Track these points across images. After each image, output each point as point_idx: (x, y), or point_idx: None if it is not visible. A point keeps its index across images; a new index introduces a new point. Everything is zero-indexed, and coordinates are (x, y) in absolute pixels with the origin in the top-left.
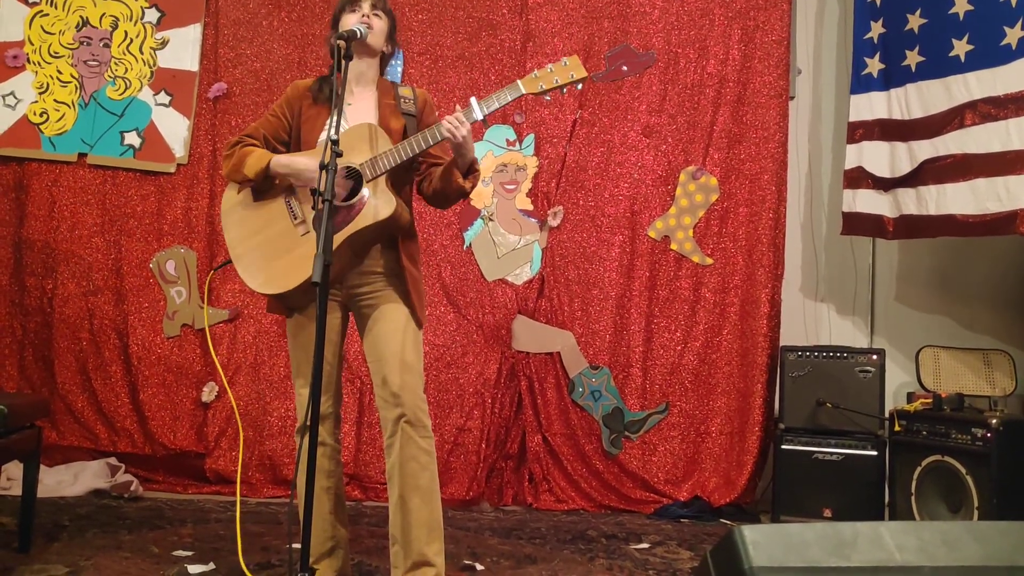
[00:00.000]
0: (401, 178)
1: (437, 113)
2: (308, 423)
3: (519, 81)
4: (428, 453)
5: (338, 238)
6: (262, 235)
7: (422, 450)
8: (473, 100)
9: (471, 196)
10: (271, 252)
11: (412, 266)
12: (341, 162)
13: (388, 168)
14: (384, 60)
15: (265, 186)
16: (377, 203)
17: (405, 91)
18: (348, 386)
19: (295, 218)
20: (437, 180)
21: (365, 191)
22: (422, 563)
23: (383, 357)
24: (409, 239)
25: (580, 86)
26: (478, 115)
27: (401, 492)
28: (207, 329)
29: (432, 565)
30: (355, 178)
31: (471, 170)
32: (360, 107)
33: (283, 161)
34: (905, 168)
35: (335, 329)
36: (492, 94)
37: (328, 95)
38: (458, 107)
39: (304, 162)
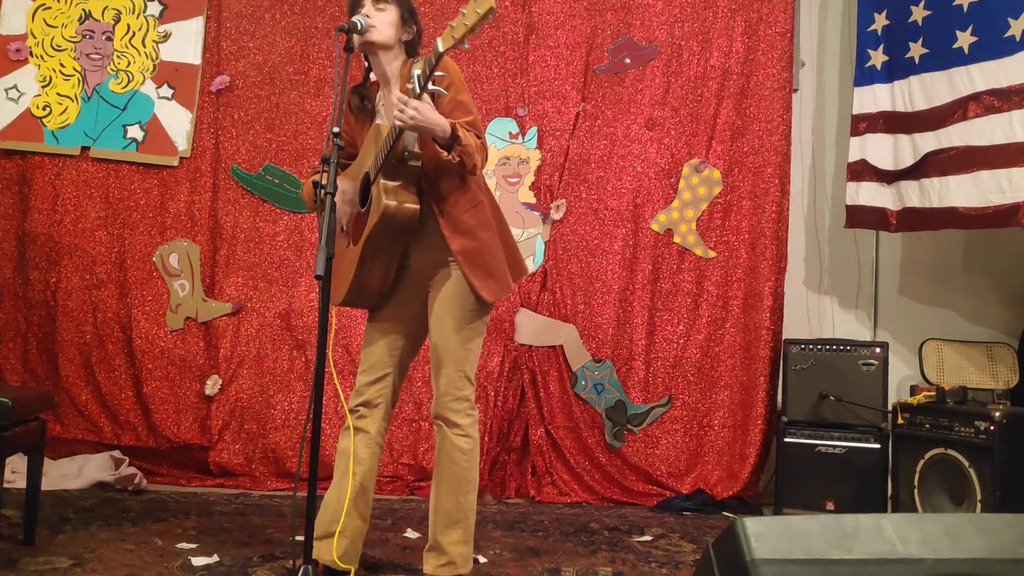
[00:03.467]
0: (406, 170)
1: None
2: (352, 412)
3: (438, 40)
4: (461, 451)
5: (361, 246)
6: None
7: (456, 448)
8: (414, 72)
9: None
10: (336, 270)
11: (462, 238)
12: (362, 171)
13: (378, 168)
14: (409, 46)
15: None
16: (377, 203)
17: (417, 68)
18: None
19: (341, 230)
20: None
21: (373, 193)
22: (434, 547)
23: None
24: (450, 216)
25: (490, 17)
26: (417, 90)
27: (436, 478)
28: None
29: (444, 553)
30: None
31: (456, 143)
32: (389, 106)
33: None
34: (908, 160)
35: (402, 318)
36: (422, 59)
37: (359, 104)
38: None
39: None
